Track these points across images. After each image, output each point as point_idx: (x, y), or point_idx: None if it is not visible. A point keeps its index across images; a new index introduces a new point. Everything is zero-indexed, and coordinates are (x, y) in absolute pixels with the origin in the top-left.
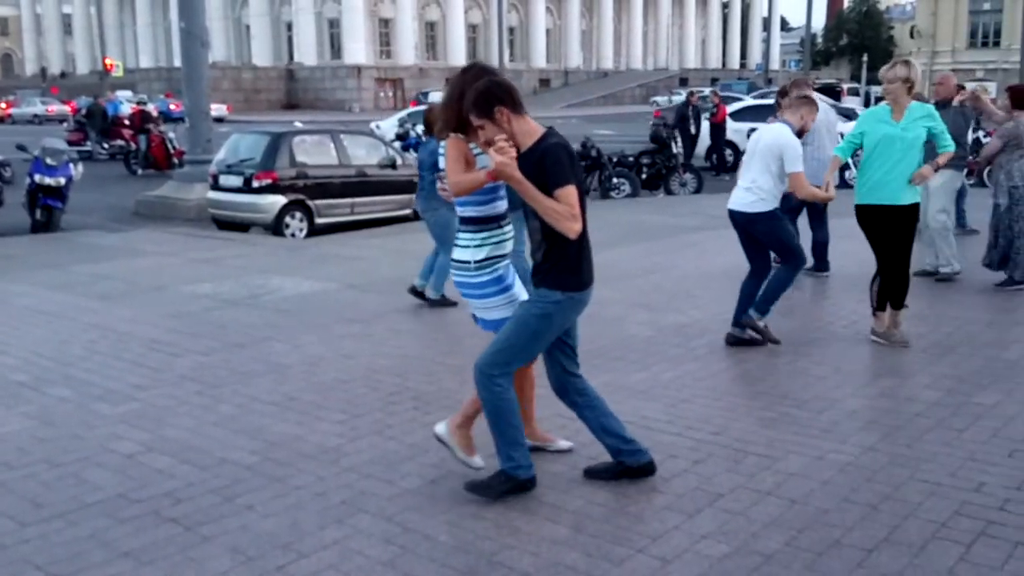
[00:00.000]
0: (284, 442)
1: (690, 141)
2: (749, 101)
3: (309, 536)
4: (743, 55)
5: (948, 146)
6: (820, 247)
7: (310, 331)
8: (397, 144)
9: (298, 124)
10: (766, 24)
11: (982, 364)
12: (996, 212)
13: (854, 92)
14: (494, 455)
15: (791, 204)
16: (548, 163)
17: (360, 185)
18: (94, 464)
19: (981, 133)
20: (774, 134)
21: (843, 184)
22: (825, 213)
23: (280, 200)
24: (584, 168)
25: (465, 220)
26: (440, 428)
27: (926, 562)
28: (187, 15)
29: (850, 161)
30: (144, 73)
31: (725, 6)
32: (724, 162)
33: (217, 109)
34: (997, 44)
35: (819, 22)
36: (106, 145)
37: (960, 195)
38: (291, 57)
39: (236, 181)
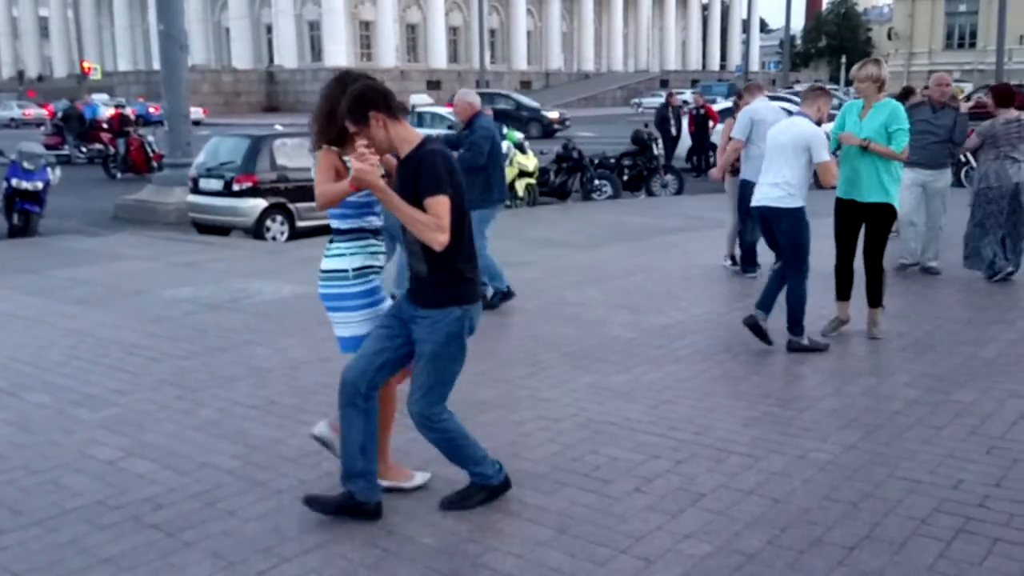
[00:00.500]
0: (265, 446)
1: (671, 143)
2: (727, 104)
3: (291, 540)
4: (723, 57)
5: (897, 145)
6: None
7: (291, 335)
8: None
9: (279, 127)
10: (745, 26)
11: (960, 362)
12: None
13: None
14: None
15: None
16: (422, 171)
17: None
18: (73, 470)
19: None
20: (798, 128)
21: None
22: None
23: (261, 203)
24: (566, 170)
25: (337, 231)
26: (320, 428)
27: (906, 559)
28: (166, 18)
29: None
30: (122, 76)
31: (705, 8)
32: (708, 164)
33: (194, 112)
34: (973, 45)
35: (798, 24)
36: (84, 149)
37: None
38: (271, 60)
39: (216, 184)
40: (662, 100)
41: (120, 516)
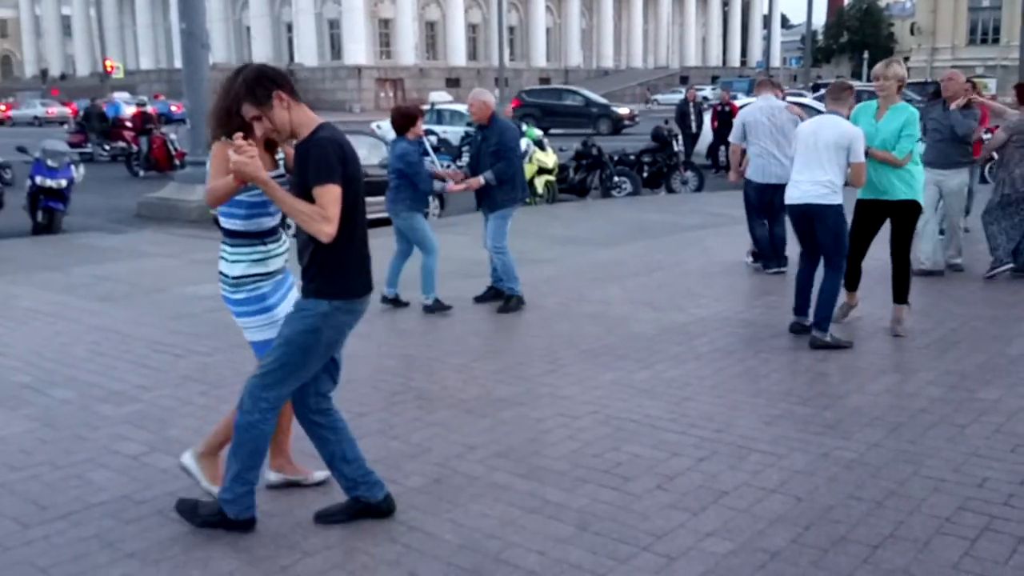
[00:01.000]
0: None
1: (691, 139)
2: (749, 100)
3: (313, 536)
4: (744, 53)
5: (899, 151)
6: (780, 242)
7: None
8: None
9: None
10: (767, 21)
11: (985, 360)
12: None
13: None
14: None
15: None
16: (312, 159)
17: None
18: (98, 465)
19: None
20: (841, 127)
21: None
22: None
23: None
24: (585, 167)
25: (227, 232)
26: (187, 459)
27: (931, 557)
28: (188, 16)
29: None
30: (144, 75)
31: (725, 4)
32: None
33: None
34: (996, 41)
35: (820, 19)
36: (107, 147)
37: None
38: (291, 58)
39: None
40: (681, 96)
41: (145, 511)
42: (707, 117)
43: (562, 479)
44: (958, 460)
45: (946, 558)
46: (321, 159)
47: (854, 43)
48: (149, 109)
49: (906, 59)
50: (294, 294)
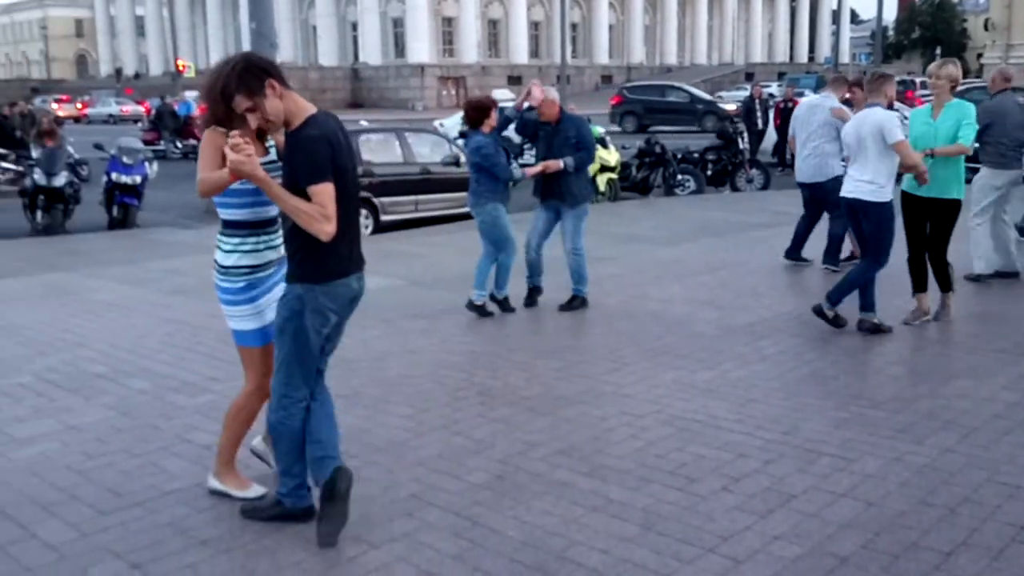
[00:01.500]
0: (352, 435)
1: (756, 136)
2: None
3: (379, 528)
4: (811, 49)
5: (962, 139)
6: (835, 240)
7: (375, 326)
8: (460, 142)
9: (363, 123)
10: (835, 17)
11: None
12: None
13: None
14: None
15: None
16: (303, 157)
17: (424, 183)
18: (171, 454)
19: None
20: (871, 119)
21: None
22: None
23: None
24: (648, 165)
25: (225, 223)
26: (212, 482)
27: (1005, 565)
28: (257, 16)
29: None
30: None
31: None
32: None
33: None
34: None
35: (890, 14)
36: (179, 144)
37: None
38: (356, 57)
39: None
40: (746, 93)
41: (217, 500)
42: (772, 114)
43: (626, 478)
44: None
45: (1021, 567)
46: (311, 158)
47: (926, 39)
48: None
49: (979, 56)
50: (281, 287)
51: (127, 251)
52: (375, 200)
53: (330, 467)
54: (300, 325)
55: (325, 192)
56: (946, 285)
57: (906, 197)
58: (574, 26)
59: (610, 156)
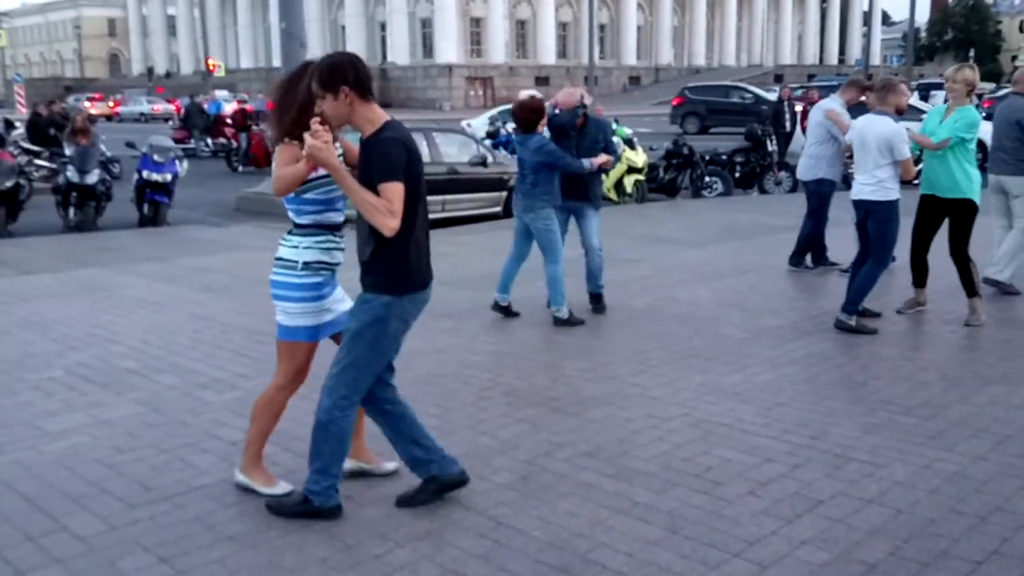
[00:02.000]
0: (379, 434)
1: (784, 139)
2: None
3: (404, 527)
4: (842, 51)
5: (937, 137)
6: (800, 241)
7: None
8: (487, 142)
9: None
10: (866, 18)
11: None
12: None
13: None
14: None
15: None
16: (378, 156)
17: (452, 183)
18: (200, 450)
19: None
20: (878, 128)
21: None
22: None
23: None
24: (675, 166)
25: (296, 225)
26: (239, 477)
27: None
28: (287, 16)
29: None
30: (244, 73)
31: (823, 0)
32: None
33: None
34: None
35: (923, 16)
36: (209, 143)
37: None
38: (384, 56)
39: None
40: (775, 95)
41: (243, 495)
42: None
43: (652, 481)
44: None
45: None
46: (386, 157)
47: (959, 41)
48: (247, 107)
49: (1014, 58)
50: (340, 291)
51: (158, 248)
52: None
53: (456, 464)
54: (381, 331)
55: (395, 190)
56: (971, 290)
57: (923, 198)
58: (602, 27)
59: (637, 157)
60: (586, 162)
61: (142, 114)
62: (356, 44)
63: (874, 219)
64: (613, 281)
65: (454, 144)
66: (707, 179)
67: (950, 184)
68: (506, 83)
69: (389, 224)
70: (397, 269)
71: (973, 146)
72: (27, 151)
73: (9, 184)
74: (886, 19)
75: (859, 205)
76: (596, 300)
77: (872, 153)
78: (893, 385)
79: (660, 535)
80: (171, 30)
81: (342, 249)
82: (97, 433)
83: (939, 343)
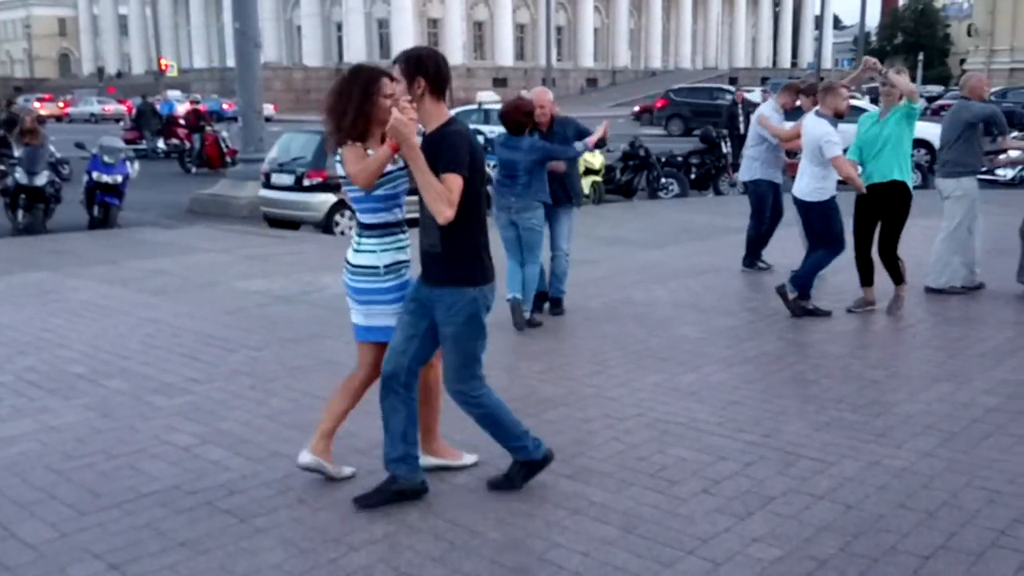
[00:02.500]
0: (336, 437)
1: (738, 141)
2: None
3: (360, 530)
4: (794, 54)
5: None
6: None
7: None
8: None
9: None
10: (818, 22)
11: None
12: None
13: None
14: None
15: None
16: (444, 146)
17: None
18: (150, 455)
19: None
20: (809, 131)
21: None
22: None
23: (330, 199)
24: (632, 168)
25: (366, 227)
26: (305, 458)
27: (984, 570)
28: (241, 16)
29: None
30: (198, 73)
31: (776, 4)
32: None
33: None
34: None
35: (873, 20)
36: (161, 144)
37: None
38: (341, 57)
39: (287, 180)
40: (730, 98)
41: (195, 501)
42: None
43: (607, 481)
44: (1014, 471)
45: (1000, 572)
46: (452, 149)
47: (909, 44)
48: (200, 107)
49: (962, 61)
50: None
51: (109, 250)
52: None
53: (420, 473)
54: (481, 323)
55: (456, 181)
56: (897, 278)
57: (869, 188)
58: (559, 29)
59: (594, 159)
60: (579, 145)
61: (92, 115)
62: (311, 44)
63: (813, 216)
64: (570, 282)
65: None
66: (663, 180)
67: (885, 170)
68: (464, 84)
69: (445, 213)
70: (477, 261)
71: (909, 144)
72: None
73: None
74: (837, 23)
75: (797, 204)
76: (556, 304)
77: (808, 154)
78: (843, 384)
79: (615, 535)
80: (123, 29)
81: (407, 245)
82: (46, 439)
83: (889, 342)
